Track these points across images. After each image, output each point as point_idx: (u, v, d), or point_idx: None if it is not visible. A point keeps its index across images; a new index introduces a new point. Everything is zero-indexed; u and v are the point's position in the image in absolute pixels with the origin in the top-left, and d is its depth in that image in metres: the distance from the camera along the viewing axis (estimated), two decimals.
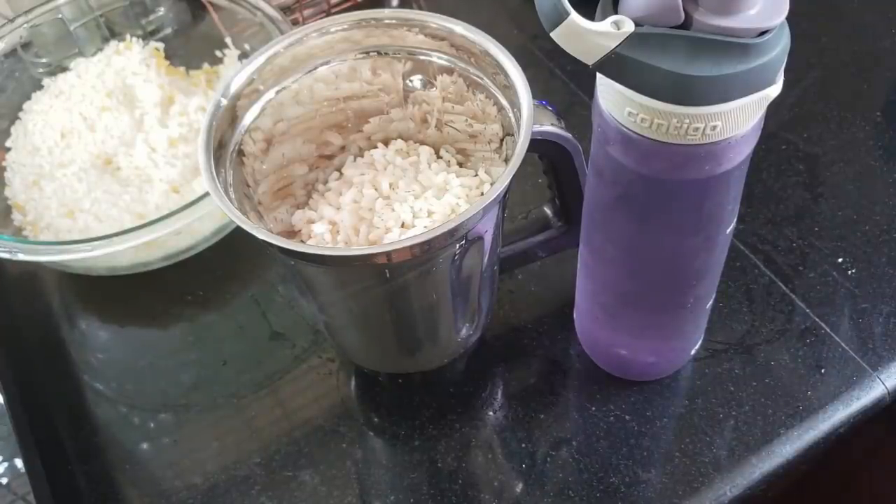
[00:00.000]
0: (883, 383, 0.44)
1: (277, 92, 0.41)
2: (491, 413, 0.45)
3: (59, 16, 0.59)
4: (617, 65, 0.28)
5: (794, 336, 0.46)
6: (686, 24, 0.28)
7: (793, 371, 0.45)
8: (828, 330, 0.46)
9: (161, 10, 0.62)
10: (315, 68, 0.42)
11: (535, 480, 0.42)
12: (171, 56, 0.60)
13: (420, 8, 0.68)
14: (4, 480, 0.42)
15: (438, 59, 0.41)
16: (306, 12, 0.67)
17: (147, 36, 0.61)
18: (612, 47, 0.28)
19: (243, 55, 0.59)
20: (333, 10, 0.68)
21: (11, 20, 0.58)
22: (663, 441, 0.43)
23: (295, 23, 0.65)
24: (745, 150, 0.32)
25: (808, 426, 0.43)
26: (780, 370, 0.45)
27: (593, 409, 0.44)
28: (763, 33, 0.28)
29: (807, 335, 0.46)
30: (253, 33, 0.58)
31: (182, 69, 0.60)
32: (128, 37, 0.59)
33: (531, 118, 0.36)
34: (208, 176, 0.36)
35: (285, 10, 0.64)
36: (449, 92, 0.42)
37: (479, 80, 0.40)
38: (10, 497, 0.42)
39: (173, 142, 0.54)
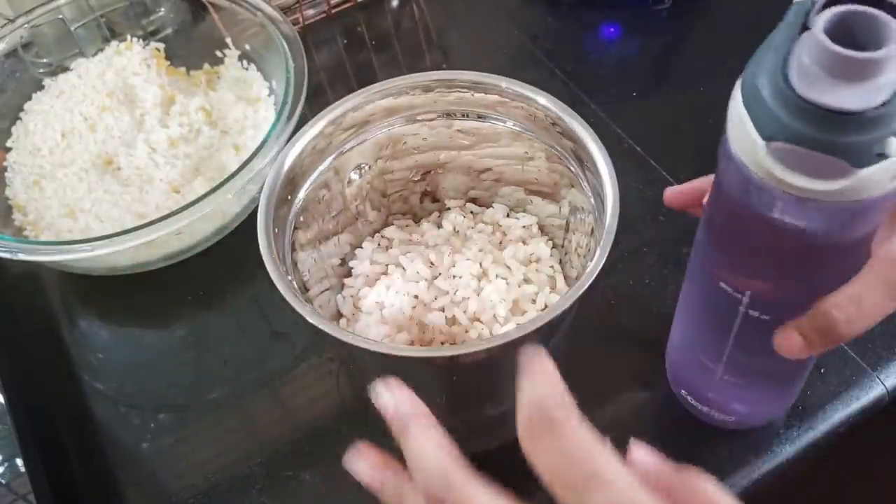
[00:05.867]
0: (882, 383, 0.44)
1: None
2: None
3: (60, 16, 0.59)
4: None
5: None
6: None
7: None
8: None
9: (161, 11, 0.62)
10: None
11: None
12: (172, 56, 0.60)
13: (420, 9, 0.68)
14: (4, 480, 0.42)
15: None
16: (307, 12, 0.67)
17: (148, 36, 0.61)
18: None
19: (243, 55, 0.60)
20: (333, 11, 0.68)
21: (12, 20, 0.58)
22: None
23: (295, 23, 0.66)
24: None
25: (808, 426, 0.43)
26: None
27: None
28: None
29: None
30: (253, 33, 0.58)
31: (183, 69, 0.60)
32: (128, 37, 0.59)
33: (616, 214, 0.34)
34: (272, 266, 0.35)
35: (285, 10, 0.64)
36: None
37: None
38: (10, 497, 0.42)
39: (174, 142, 0.54)
